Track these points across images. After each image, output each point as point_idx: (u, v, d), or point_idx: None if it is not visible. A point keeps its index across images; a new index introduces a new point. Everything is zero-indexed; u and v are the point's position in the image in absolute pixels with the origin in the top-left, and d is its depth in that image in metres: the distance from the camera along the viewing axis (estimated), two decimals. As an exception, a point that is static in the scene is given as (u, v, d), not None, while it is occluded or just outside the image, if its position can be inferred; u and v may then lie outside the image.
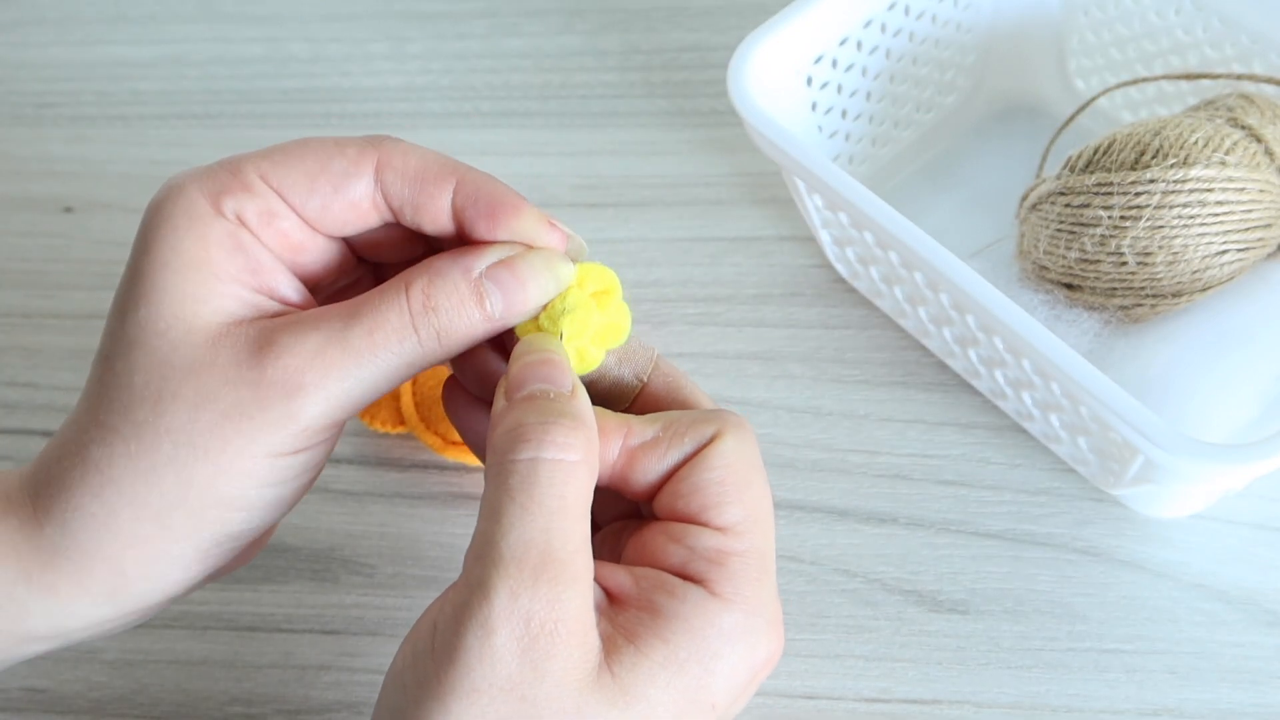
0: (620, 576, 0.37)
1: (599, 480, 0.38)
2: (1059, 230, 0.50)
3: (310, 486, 0.39)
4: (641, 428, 0.38)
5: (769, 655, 0.37)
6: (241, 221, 0.38)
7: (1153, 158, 0.48)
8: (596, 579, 0.36)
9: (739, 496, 0.37)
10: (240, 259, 0.38)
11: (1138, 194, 0.48)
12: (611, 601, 0.36)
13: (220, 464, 0.36)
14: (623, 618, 0.36)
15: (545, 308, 0.39)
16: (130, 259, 0.38)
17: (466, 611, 0.34)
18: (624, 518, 0.42)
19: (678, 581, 0.36)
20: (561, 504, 0.35)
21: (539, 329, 0.39)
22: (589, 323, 0.39)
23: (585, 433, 0.36)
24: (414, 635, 0.36)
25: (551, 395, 0.36)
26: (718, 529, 0.37)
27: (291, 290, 0.39)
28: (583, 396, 0.37)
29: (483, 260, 0.38)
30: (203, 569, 0.38)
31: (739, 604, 0.36)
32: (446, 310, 0.38)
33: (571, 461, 0.35)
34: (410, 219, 0.39)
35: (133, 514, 0.37)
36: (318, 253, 0.40)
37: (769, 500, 0.38)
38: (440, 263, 0.38)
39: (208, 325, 0.37)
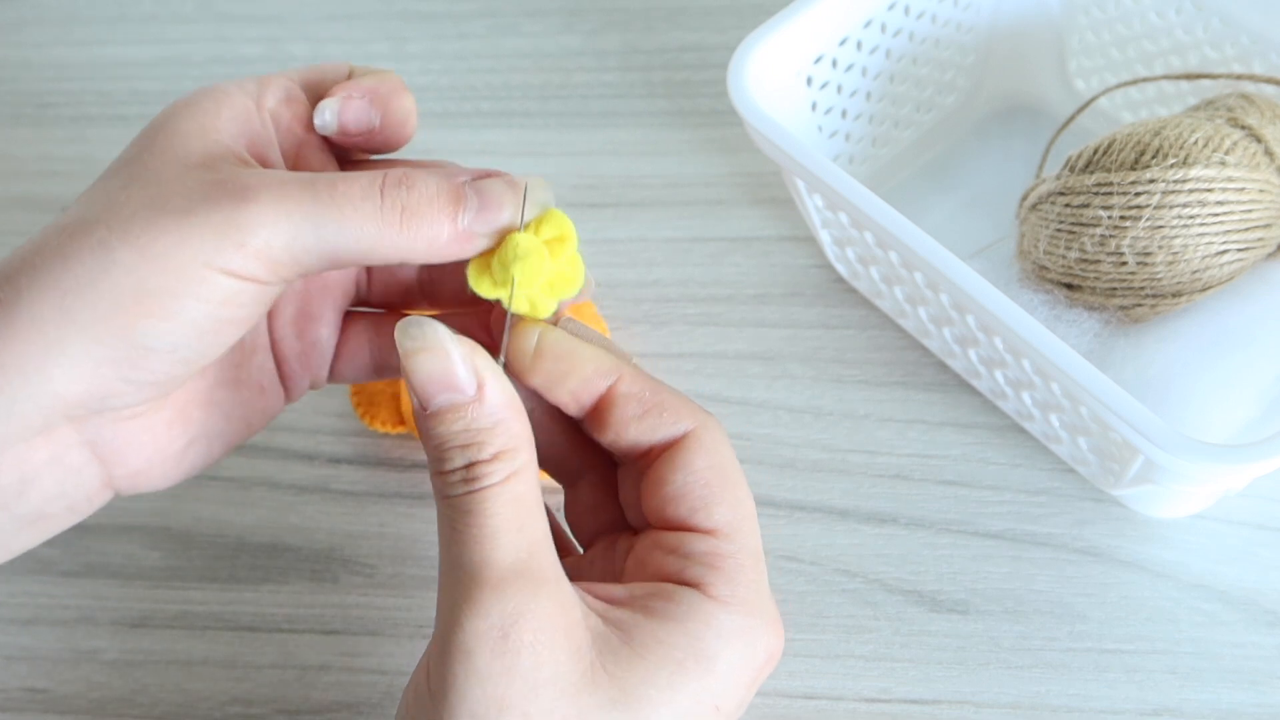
0: (614, 590, 0.37)
1: (578, 413, 0.38)
2: (1059, 230, 0.50)
3: (234, 339, 0.38)
4: (634, 380, 0.38)
5: (769, 654, 0.37)
6: (260, 103, 0.40)
7: (1153, 158, 0.48)
8: (592, 595, 0.36)
9: (723, 497, 0.37)
10: (244, 129, 0.39)
11: (1138, 194, 0.48)
12: (605, 600, 0.36)
13: (149, 254, 0.35)
14: (617, 617, 0.36)
15: (497, 251, 0.39)
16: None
17: (447, 644, 0.34)
18: (611, 531, 0.42)
19: (672, 586, 0.36)
20: (505, 521, 0.35)
21: (489, 271, 0.39)
22: (541, 270, 0.38)
23: (511, 445, 0.35)
24: (416, 677, 0.36)
25: (460, 408, 0.36)
26: (706, 532, 0.37)
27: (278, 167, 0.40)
28: (492, 390, 0.36)
29: (472, 171, 0.39)
30: (107, 379, 0.36)
31: (735, 605, 0.36)
32: (419, 196, 0.37)
33: (498, 482, 0.35)
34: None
35: (36, 296, 0.36)
36: (312, 152, 0.41)
37: (750, 499, 0.38)
38: (426, 166, 0.39)
39: (186, 159, 0.38)
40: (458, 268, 0.40)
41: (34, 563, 0.54)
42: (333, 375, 0.46)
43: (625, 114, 0.65)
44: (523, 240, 0.38)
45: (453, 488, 0.35)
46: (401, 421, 0.54)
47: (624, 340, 0.57)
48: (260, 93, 0.40)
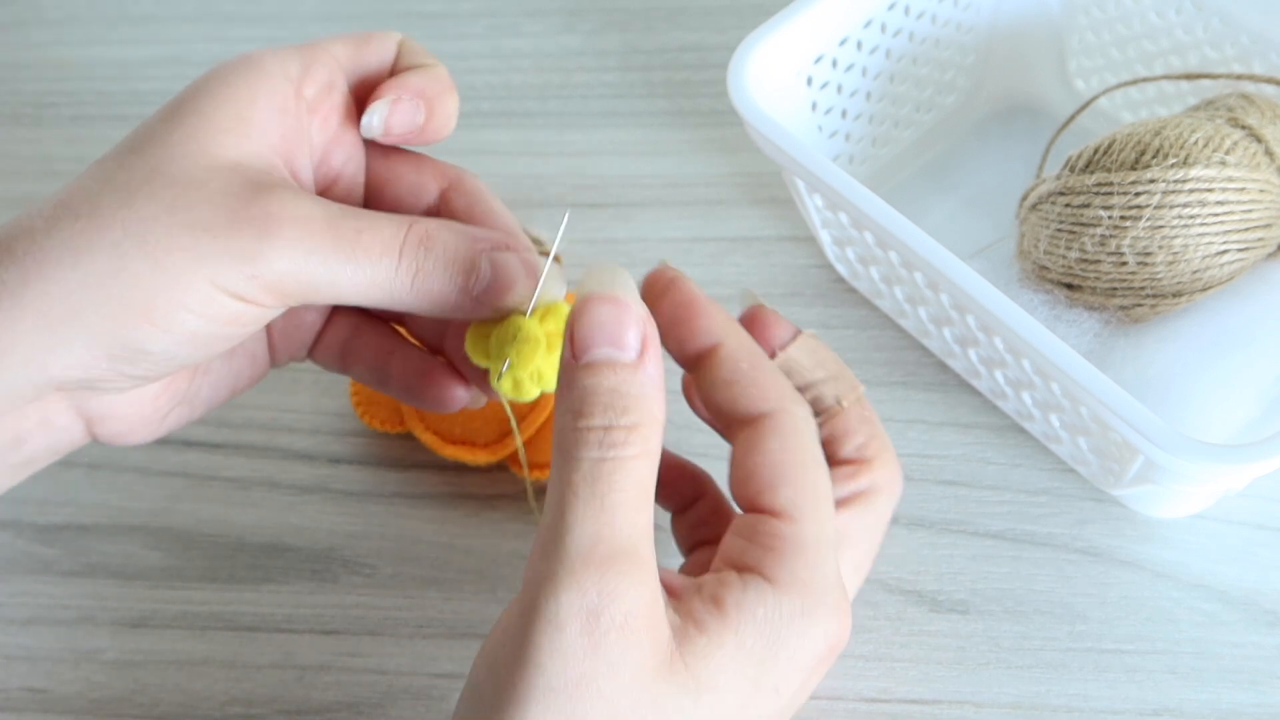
0: (686, 584, 0.36)
1: (682, 362, 0.39)
2: (1059, 230, 0.50)
3: (229, 347, 0.39)
4: (739, 347, 0.38)
5: (832, 640, 0.36)
6: (300, 89, 0.40)
7: (1153, 158, 0.48)
8: (662, 582, 0.36)
9: (789, 479, 0.37)
10: (278, 121, 0.39)
11: (1138, 194, 0.48)
12: (678, 598, 0.36)
13: (161, 265, 0.36)
14: (690, 608, 0.35)
15: (497, 327, 0.39)
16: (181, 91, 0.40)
17: (535, 612, 0.33)
18: (685, 507, 0.43)
19: (735, 575, 0.36)
20: (624, 496, 0.34)
21: (485, 341, 0.39)
22: (533, 359, 0.39)
23: (649, 423, 0.35)
24: (489, 646, 0.36)
25: (618, 368, 0.34)
26: (772, 514, 0.36)
27: (306, 174, 0.40)
28: (652, 362, 0.35)
29: (493, 239, 0.39)
30: (102, 370, 0.37)
31: (795, 589, 0.35)
32: (435, 262, 0.38)
33: (629, 456, 0.34)
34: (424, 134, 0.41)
35: (43, 288, 0.36)
36: (344, 154, 0.41)
37: (825, 484, 0.37)
38: (455, 222, 0.39)
39: (215, 154, 0.38)
40: (427, 321, 0.42)
41: (34, 563, 0.54)
42: (311, 354, 0.46)
43: (625, 114, 0.65)
44: (526, 325, 0.39)
45: (588, 448, 0.34)
46: (401, 422, 0.54)
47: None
48: (301, 77, 0.40)
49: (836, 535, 0.38)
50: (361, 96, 0.43)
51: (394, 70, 0.43)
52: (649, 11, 0.69)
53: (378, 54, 0.43)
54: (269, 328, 0.45)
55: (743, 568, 0.36)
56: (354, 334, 0.45)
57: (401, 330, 0.46)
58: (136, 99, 0.69)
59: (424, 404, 0.45)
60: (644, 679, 0.34)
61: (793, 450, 0.37)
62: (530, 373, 0.39)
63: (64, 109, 0.69)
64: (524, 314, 0.39)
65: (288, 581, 0.53)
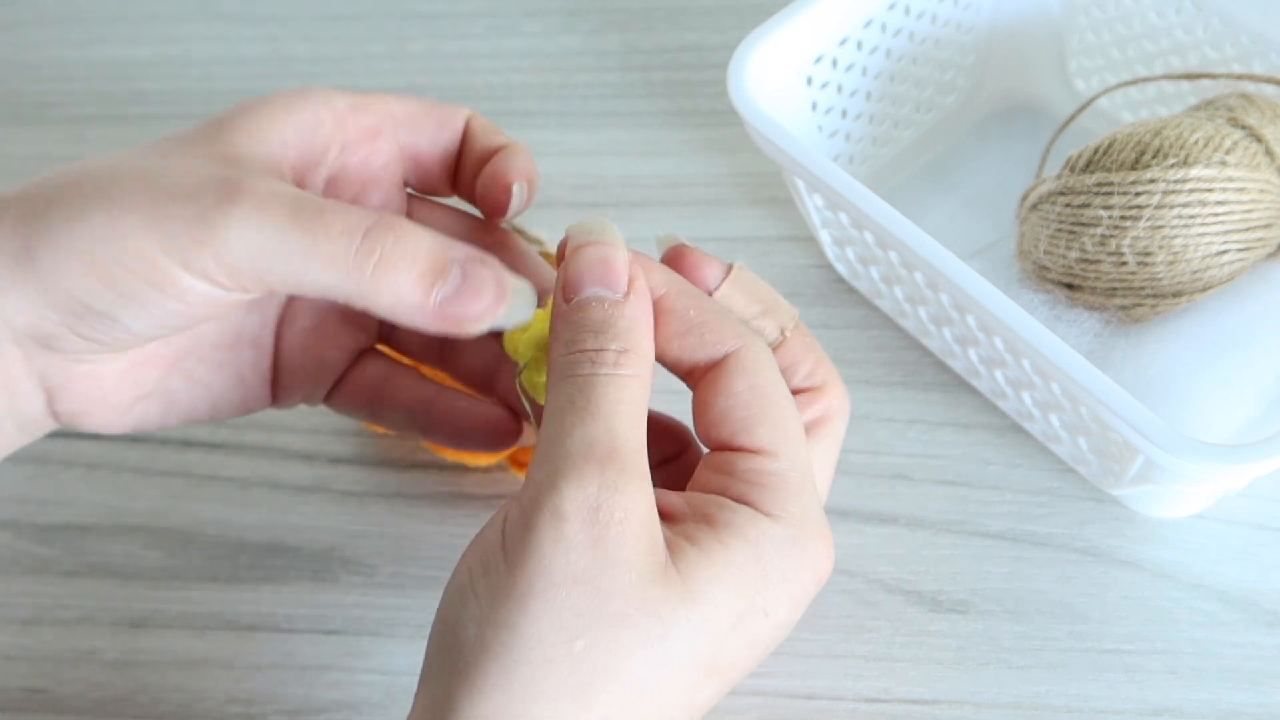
0: (672, 498, 0.37)
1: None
2: (1059, 230, 0.50)
3: (184, 326, 0.39)
4: (679, 296, 0.38)
5: (819, 571, 0.37)
6: (342, 121, 0.41)
7: (1153, 158, 0.48)
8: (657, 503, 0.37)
9: (765, 417, 0.37)
10: (301, 139, 0.40)
11: (1138, 194, 0.48)
12: (666, 518, 0.36)
13: (115, 221, 0.36)
14: (681, 526, 0.36)
15: (527, 328, 0.39)
16: None
17: (537, 507, 0.34)
18: (667, 460, 0.43)
19: (727, 500, 0.36)
20: (619, 408, 0.35)
21: (522, 339, 0.40)
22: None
23: (638, 351, 0.36)
24: (479, 548, 0.36)
25: (607, 304, 0.36)
26: (752, 451, 0.37)
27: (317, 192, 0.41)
28: (637, 298, 0.37)
29: (472, 252, 0.38)
30: (52, 322, 0.37)
31: (785, 519, 0.36)
32: (399, 251, 0.36)
33: (626, 375, 0.36)
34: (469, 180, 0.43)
35: (11, 230, 0.37)
36: (382, 197, 0.42)
37: (795, 418, 0.38)
38: (433, 229, 0.39)
39: (219, 147, 0.38)
40: (476, 361, 0.43)
41: (34, 562, 0.54)
42: (329, 399, 0.46)
43: (625, 114, 0.65)
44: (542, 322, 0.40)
45: (578, 365, 0.36)
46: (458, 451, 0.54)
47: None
48: (346, 113, 0.41)
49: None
50: (424, 162, 0.43)
51: (468, 144, 0.44)
52: (649, 11, 0.69)
53: (446, 123, 0.44)
54: (279, 357, 0.44)
55: (735, 500, 0.36)
56: (388, 377, 0.45)
57: (439, 376, 0.46)
58: (136, 99, 0.68)
59: (477, 448, 0.45)
60: (642, 580, 0.34)
61: (761, 387, 0.37)
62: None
63: (64, 109, 0.69)
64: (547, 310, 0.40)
65: (288, 581, 0.53)
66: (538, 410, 0.41)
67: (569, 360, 0.36)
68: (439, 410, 0.45)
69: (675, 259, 0.40)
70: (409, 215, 0.44)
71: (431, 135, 0.43)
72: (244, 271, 0.36)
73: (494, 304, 0.37)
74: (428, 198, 0.45)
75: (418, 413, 0.45)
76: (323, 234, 0.36)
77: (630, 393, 0.36)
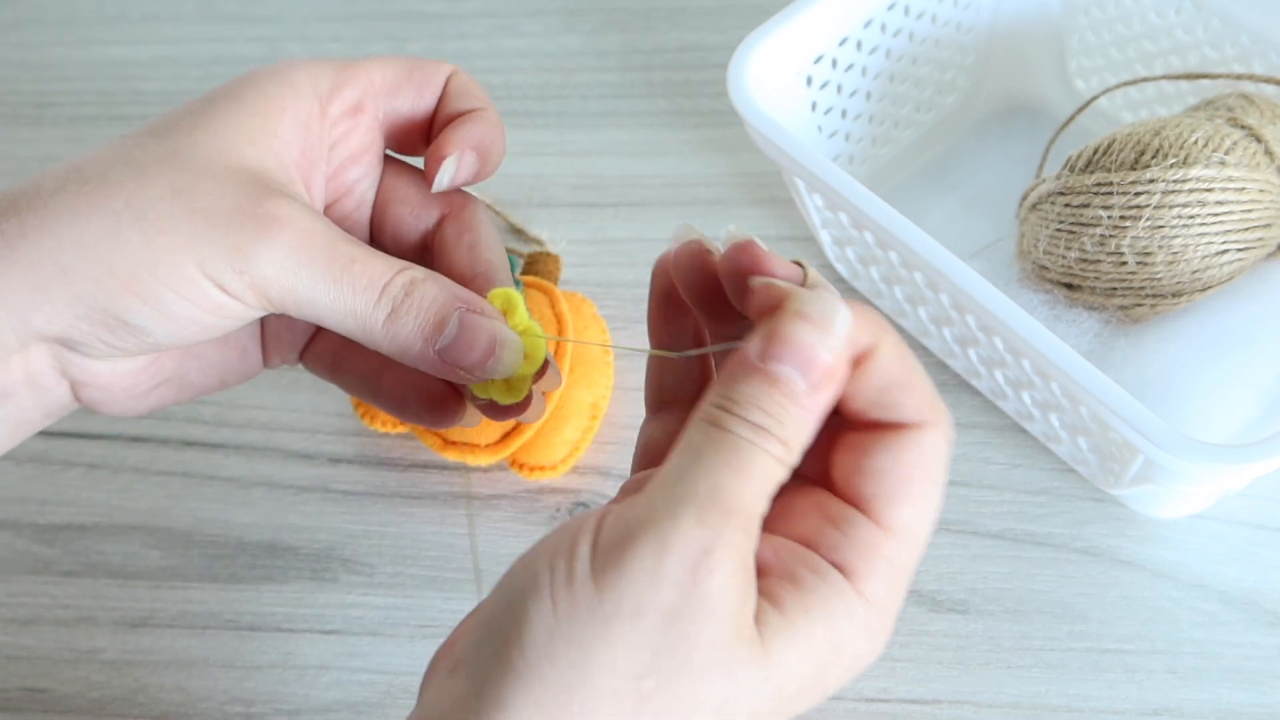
0: (760, 546, 0.35)
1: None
2: (1059, 230, 0.50)
3: (209, 336, 0.40)
4: (893, 350, 0.35)
5: (879, 648, 0.36)
6: (326, 108, 0.41)
7: (1153, 158, 0.48)
8: None
9: (915, 498, 0.35)
10: (301, 137, 0.40)
11: (1138, 194, 0.48)
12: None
13: (152, 241, 0.37)
14: (765, 581, 0.35)
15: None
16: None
17: (644, 527, 0.32)
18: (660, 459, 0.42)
19: (822, 561, 0.35)
20: (757, 479, 0.34)
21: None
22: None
23: (796, 445, 0.34)
24: (562, 550, 0.33)
25: (794, 392, 0.34)
26: (881, 525, 0.35)
27: (319, 189, 0.41)
28: (822, 397, 0.35)
29: (471, 302, 0.40)
30: (83, 332, 0.38)
31: (875, 605, 0.35)
32: (409, 306, 0.39)
33: (776, 458, 0.34)
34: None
35: (38, 242, 0.37)
36: (360, 171, 0.43)
37: (933, 519, 0.36)
38: (443, 276, 0.40)
39: (235, 157, 0.39)
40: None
41: (34, 563, 0.54)
42: (302, 358, 0.47)
43: (625, 114, 0.65)
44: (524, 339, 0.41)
45: (739, 427, 0.34)
46: (401, 421, 0.54)
47: (624, 340, 0.57)
48: (330, 95, 0.42)
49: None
50: (404, 126, 0.44)
51: (442, 105, 0.44)
52: (649, 11, 0.69)
53: (426, 84, 0.44)
54: (264, 325, 0.45)
55: (830, 561, 0.35)
56: (346, 344, 0.45)
57: None
58: (136, 99, 0.69)
59: (419, 420, 0.45)
60: (726, 635, 0.33)
61: (927, 469, 0.36)
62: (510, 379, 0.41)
63: (64, 109, 0.69)
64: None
65: (288, 581, 0.53)
66: (483, 403, 0.42)
67: (732, 418, 0.34)
68: (387, 380, 0.45)
69: (740, 255, 0.38)
70: (387, 180, 0.44)
71: (412, 100, 0.44)
72: (272, 299, 0.38)
73: (484, 358, 0.40)
74: (406, 160, 0.45)
75: (369, 379, 0.46)
76: (349, 287, 0.39)
77: (773, 474, 0.34)
